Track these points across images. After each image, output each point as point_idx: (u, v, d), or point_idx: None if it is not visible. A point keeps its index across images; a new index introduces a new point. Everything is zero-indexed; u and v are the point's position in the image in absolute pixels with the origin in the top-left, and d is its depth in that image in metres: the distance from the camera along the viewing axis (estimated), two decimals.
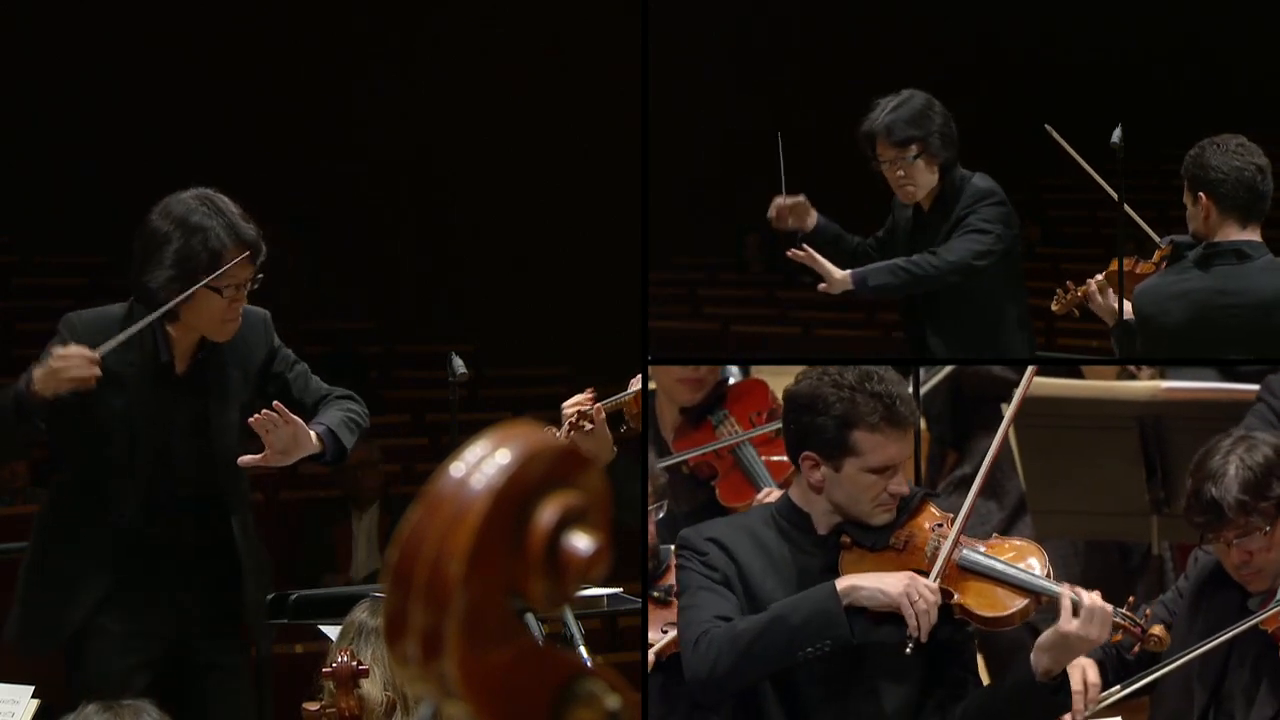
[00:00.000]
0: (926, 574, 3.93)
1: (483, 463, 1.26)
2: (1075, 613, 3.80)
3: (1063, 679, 3.86)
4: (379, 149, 12.64)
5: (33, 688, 4.27)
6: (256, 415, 4.59)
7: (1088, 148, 6.02)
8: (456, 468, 1.26)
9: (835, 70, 12.40)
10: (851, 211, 6.02)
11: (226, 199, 4.73)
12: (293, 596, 5.02)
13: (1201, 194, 4.91)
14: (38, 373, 4.51)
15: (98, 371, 4.52)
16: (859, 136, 5.62)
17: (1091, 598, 3.83)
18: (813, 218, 5.75)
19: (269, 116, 12.07)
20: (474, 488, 1.25)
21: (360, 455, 8.28)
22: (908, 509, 4.02)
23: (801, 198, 5.74)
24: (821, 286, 5.64)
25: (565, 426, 4.39)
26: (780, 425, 4.40)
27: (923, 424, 4.79)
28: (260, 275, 4.73)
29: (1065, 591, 3.85)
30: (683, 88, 11.63)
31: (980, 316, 5.64)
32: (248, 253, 4.63)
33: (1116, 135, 6.03)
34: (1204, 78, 13.51)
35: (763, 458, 4.87)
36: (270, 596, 5.05)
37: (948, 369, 5.36)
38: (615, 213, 10.76)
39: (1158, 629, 3.98)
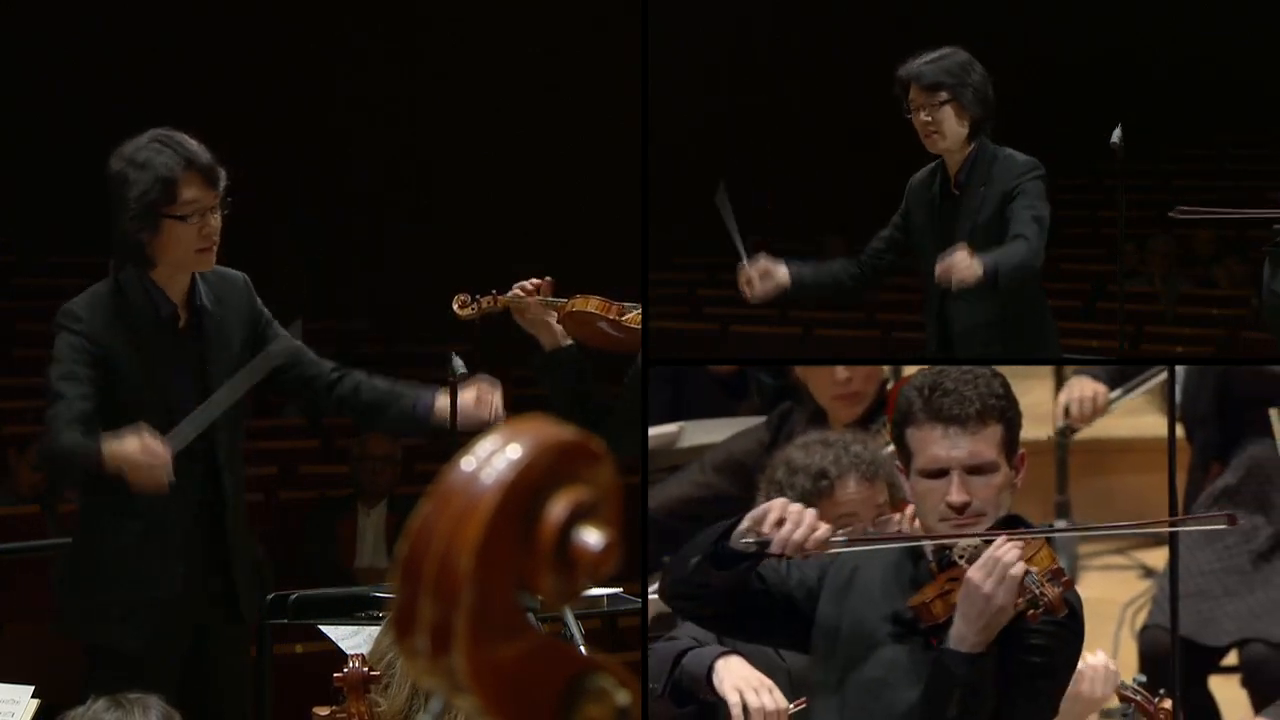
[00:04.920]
0: None
1: (493, 457, 1.26)
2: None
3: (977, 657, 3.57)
4: (379, 149, 12.64)
5: (33, 688, 4.26)
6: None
7: (1088, 148, 6.01)
8: (467, 461, 1.26)
9: (836, 71, 12.39)
10: (853, 215, 5.99)
11: (183, 135, 4.72)
12: (293, 596, 5.00)
13: None
14: (113, 451, 4.46)
15: (172, 477, 4.49)
16: (896, 83, 5.42)
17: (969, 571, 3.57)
18: (784, 272, 5.49)
19: (269, 116, 12.07)
20: (484, 482, 1.25)
21: (384, 449, 8.25)
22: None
23: (762, 260, 5.47)
24: (947, 275, 5.09)
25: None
26: None
27: (1180, 432, 4.43)
28: (230, 200, 4.71)
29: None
30: (683, 87, 11.63)
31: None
32: (201, 176, 4.64)
33: (1116, 135, 6.03)
34: (1204, 78, 13.51)
35: None
36: (270, 596, 5.04)
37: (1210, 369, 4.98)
38: (615, 213, 10.75)
39: (1053, 591, 3.59)
